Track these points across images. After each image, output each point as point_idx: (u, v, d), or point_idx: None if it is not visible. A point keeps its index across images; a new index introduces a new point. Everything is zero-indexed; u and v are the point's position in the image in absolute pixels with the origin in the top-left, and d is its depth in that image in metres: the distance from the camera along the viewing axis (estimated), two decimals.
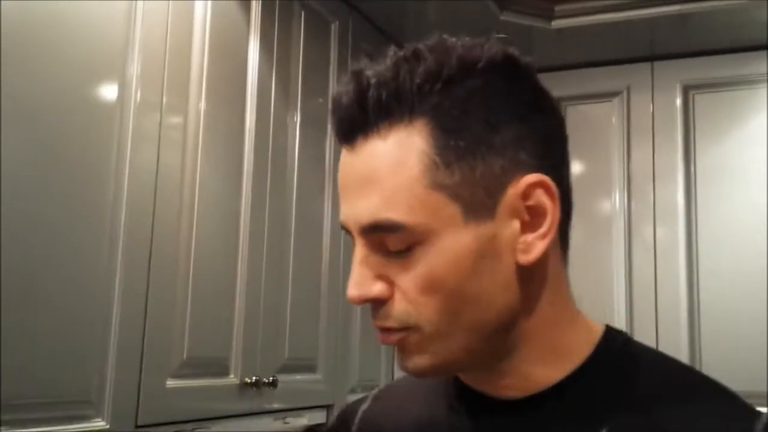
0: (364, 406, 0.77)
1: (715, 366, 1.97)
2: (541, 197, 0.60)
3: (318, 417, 1.71)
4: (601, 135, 2.27)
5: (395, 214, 0.58)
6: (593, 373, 0.64)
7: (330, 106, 0.63)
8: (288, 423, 1.61)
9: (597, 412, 0.62)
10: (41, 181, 1.07)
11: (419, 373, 0.64)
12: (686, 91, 2.20)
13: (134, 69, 1.23)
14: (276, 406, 1.56)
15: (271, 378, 1.51)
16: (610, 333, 0.67)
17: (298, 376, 1.64)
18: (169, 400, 1.29)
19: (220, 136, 1.46)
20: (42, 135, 1.07)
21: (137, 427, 1.21)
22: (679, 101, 2.20)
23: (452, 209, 0.59)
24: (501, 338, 0.62)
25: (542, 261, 0.62)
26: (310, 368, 1.70)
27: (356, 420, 0.76)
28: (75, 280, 1.11)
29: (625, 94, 2.26)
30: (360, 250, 0.62)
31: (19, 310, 1.01)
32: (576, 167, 2.29)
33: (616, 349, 0.66)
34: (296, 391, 1.63)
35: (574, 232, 2.35)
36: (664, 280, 2.13)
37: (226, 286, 1.45)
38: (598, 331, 0.67)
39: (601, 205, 2.25)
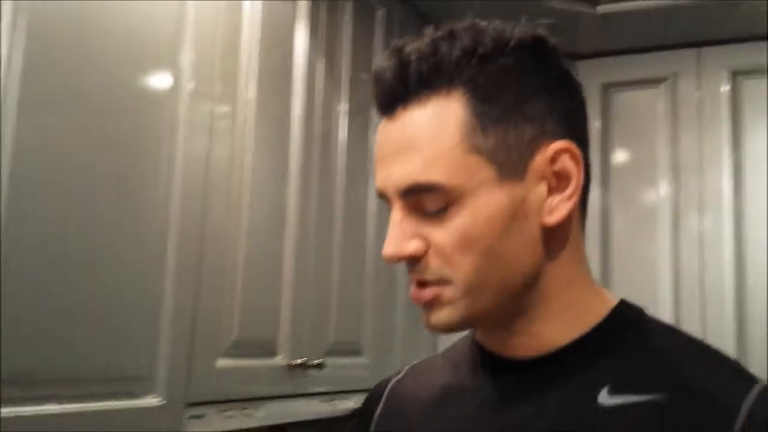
0: (396, 378, 0.82)
1: (762, 358, 1.94)
2: (566, 162, 0.65)
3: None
4: (647, 122, 2.24)
5: (435, 175, 0.63)
6: (602, 337, 0.67)
7: (372, 80, 0.68)
8: (335, 406, 1.63)
9: (601, 373, 0.65)
10: (98, 166, 1.09)
11: (446, 327, 0.67)
12: (734, 77, 2.16)
13: (187, 58, 1.26)
14: (322, 388, 1.59)
15: (318, 360, 1.54)
16: (625, 304, 0.71)
17: (345, 360, 1.67)
18: (219, 379, 1.32)
19: (269, 124, 1.48)
20: (97, 122, 1.09)
21: (188, 405, 1.24)
22: (726, 87, 2.16)
23: (487, 171, 0.63)
24: (523, 296, 0.66)
25: (565, 225, 0.66)
26: (356, 352, 1.73)
27: (386, 392, 0.81)
28: (129, 263, 1.14)
29: (671, 80, 2.23)
30: (397, 212, 0.65)
31: (76, 291, 1.05)
32: (620, 155, 2.27)
33: (628, 318, 0.69)
34: (342, 373, 1.65)
35: (616, 223, 2.33)
36: (710, 272, 2.09)
37: (274, 269, 1.48)
38: (613, 302, 0.70)
39: (646, 194, 2.22)
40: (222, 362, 1.33)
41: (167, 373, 1.19)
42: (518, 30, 0.66)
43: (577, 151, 0.66)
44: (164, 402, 1.18)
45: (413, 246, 0.65)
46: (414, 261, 0.65)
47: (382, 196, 0.67)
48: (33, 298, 0.98)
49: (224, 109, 1.36)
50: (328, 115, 1.67)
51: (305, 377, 1.53)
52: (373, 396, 0.82)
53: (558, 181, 0.65)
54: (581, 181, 0.66)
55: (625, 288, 2.19)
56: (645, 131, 2.23)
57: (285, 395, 1.50)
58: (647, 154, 2.22)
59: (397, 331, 1.89)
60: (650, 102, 2.24)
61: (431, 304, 0.66)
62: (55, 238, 1.01)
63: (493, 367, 0.70)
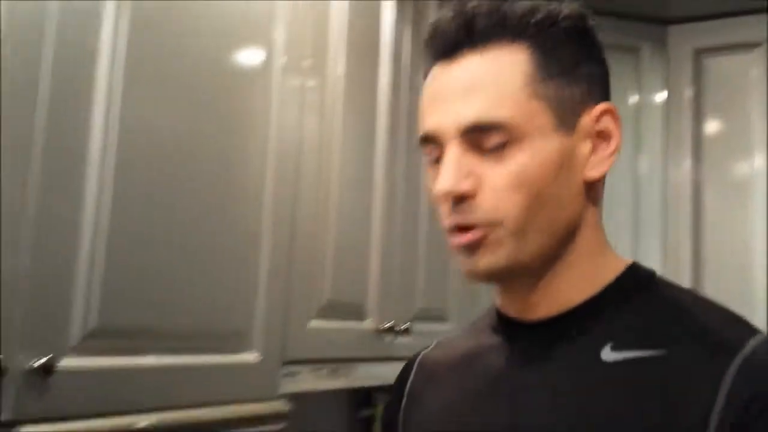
0: (426, 351, 0.88)
1: None
2: (609, 123, 0.71)
3: None
4: (741, 89, 2.16)
5: (500, 114, 0.67)
6: (611, 297, 0.70)
7: (430, 28, 0.72)
8: None
9: (607, 331, 0.68)
10: (197, 139, 1.15)
11: (488, 273, 0.69)
12: None
13: (279, 35, 1.31)
14: (408, 353, 1.62)
15: (405, 325, 1.59)
16: (636, 266, 0.74)
17: (430, 325, 1.71)
18: (311, 339, 1.38)
19: (357, 96, 1.53)
20: (195, 99, 1.15)
21: (284, 363, 1.31)
22: None
23: (546, 117, 0.68)
24: (561, 246, 0.70)
25: (598, 184, 0.72)
26: (442, 318, 1.77)
27: (416, 362, 0.87)
28: (228, 228, 1.20)
29: (767, 44, 2.14)
30: (455, 150, 0.68)
31: (181, 254, 1.12)
32: (713, 125, 2.21)
33: (639, 279, 0.72)
34: (428, 339, 1.68)
35: (709, 195, 2.27)
36: None
37: (363, 236, 1.54)
38: (625, 263, 0.73)
39: (739, 166, 2.15)
40: (314, 323, 1.39)
41: (264, 331, 1.26)
42: (564, 6, 0.71)
43: (618, 114, 0.71)
44: (262, 358, 1.25)
45: (468, 183, 0.67)
46: (464, 200, 0.67)
47: (430, 138, 0.70)
48: (142, 261, 1.06)
49: (314, 83, 1.41)
50: (415, 86, 1.70)
51: (392, 341, 1.58)
52: (406, 367, 0.88)
53: (600, 140, 0.70)
54: (621, 141, 0.71)
55: (716, 265, 2.14)
56: (739, 99, 2.16)
57: (372, 358, 1.55)
58: (741, 123, 2.15)
59: (482, 298, 1.90)
60: (744, 68, 2.16)
61: (476, 248, 0.67)
62: (160, 206, 1.09)
63: (510, 330, 0.75)
